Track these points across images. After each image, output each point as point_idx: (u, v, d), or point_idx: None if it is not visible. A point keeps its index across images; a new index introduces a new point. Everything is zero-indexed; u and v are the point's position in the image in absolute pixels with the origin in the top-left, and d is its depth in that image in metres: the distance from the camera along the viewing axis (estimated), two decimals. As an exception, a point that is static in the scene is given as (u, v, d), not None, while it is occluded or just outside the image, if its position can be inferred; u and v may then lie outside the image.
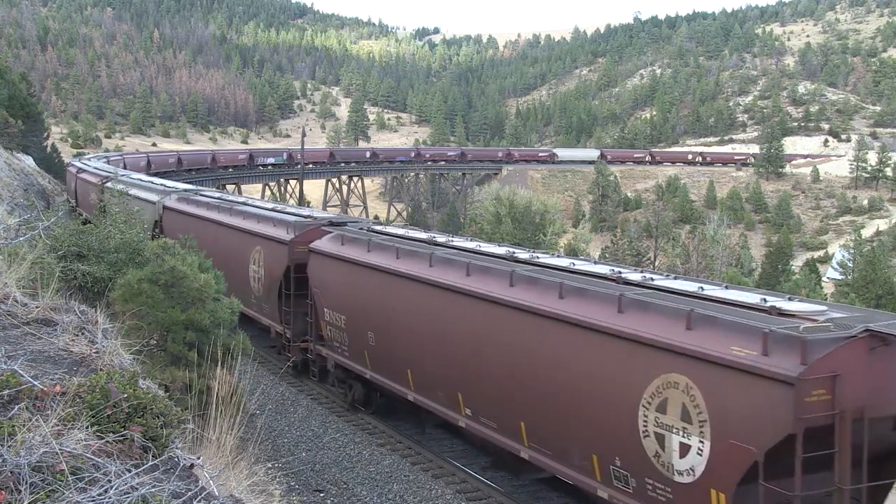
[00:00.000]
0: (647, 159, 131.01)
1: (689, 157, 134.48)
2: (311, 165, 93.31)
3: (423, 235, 16.58)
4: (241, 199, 26.87)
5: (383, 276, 14.64)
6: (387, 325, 14.77)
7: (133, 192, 30.47)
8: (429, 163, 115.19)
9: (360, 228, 17.99)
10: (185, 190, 29.98)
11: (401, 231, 17.54)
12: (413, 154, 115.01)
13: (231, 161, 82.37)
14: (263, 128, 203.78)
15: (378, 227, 18.19)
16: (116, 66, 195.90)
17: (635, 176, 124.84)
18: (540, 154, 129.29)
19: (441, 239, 15.73)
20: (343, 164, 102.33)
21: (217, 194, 29.51)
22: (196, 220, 24.30)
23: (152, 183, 33.97)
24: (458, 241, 15.55)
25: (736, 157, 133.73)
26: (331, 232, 17.54)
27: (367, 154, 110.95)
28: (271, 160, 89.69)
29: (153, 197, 28.97)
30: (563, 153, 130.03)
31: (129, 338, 8.43)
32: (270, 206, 24.56)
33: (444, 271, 13.11)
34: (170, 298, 11.17)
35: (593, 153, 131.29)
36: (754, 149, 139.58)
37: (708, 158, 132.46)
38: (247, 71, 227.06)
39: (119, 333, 7.27)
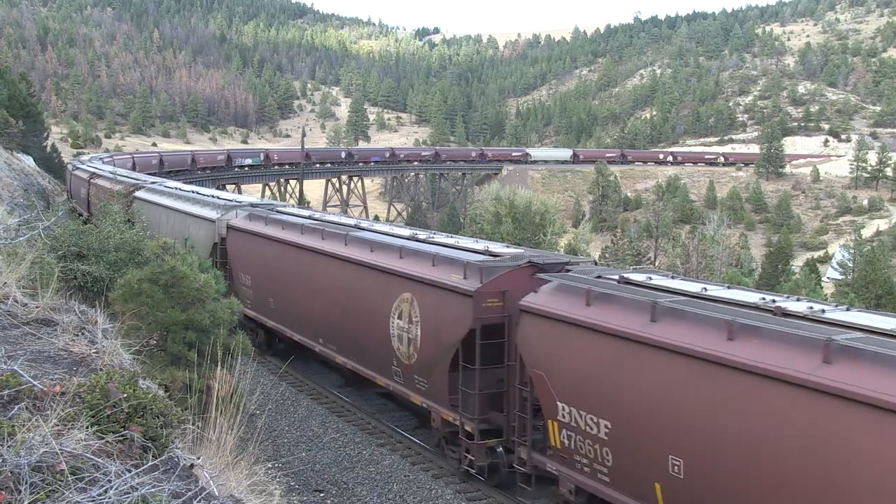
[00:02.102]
0: (618, 159, 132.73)
1: (661, 156, 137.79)
2: (286, 166, 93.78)
3: (748, 296, 10.18)
4: (352, 221, 20.02)
5: (701, 367, 8.86)
6: (714, 449, 8.72)
7: (175, 204, 25.87)
8: (403, 163, 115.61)
9: (599, 276, 11.63)
10: (254, 204, 23.79)
11: (692, 285, 11.11)
12: (387, 154, 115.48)
13: (210, 162, 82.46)
14: (263, 128, 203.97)
15: (635, 276, 11.61)
16: (116, 66, 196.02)
17: (635, 176, 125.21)
18: (513, 154, 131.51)
19: (796, 306, 9.41)
20: (318, 165, 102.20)
21: (307, 212, 22.93)
22: (284, 248, 18.71)
23: (198, 193, 27.60)
24: (840, 313, 9.21)
25: (706, 157, 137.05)
26: (549, 280, 11.72)
27: (342, 154, 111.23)
28: (248, 161, 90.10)
29: (210, 213, 23.03)
30: (535, 153, 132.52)
31: (129, 338, 8.43)
32: (408, 232, 17.29)
33: (862, 373, 7.52)
34: (170, 298, 11.17)
35: (566, 153, 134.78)
36: (754, 149, 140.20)
37: (679, 158, 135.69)
38: (247, 71, 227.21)
39: (119, 333, 7.27)
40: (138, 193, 29.74)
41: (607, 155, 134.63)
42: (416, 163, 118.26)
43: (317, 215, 21.63)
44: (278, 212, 21.82)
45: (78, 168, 45.02)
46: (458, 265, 13.06)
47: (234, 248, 21.41)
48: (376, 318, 14.81)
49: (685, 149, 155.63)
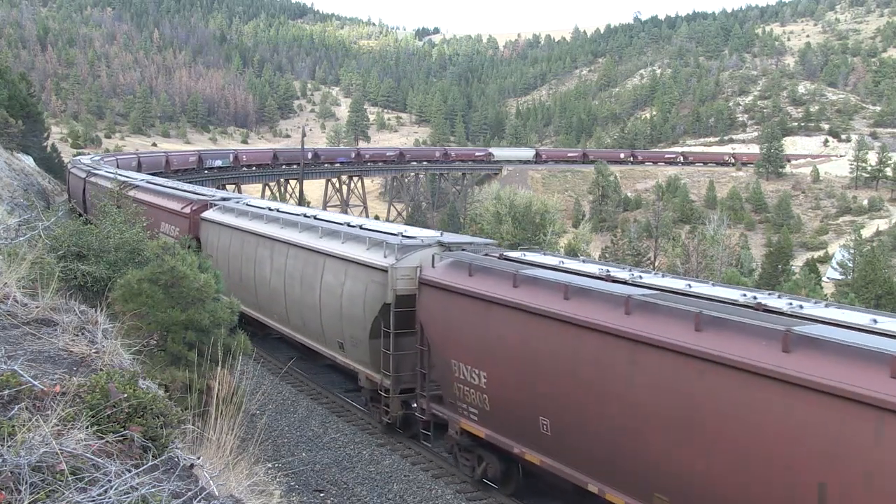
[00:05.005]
0: (579, 159, 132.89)
1: (622, 156, 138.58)
2: (253, 168, 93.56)
3: None
4: (736, 294, 10.25)
5: None
6: None
7: (287, 235, 18.11)
8: (368, 164, 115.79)
9: None
10: (445, 244, 14.80)
11: None
12: (353, 155, 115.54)
13: (183, 164, 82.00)
14: (263, 128, 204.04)
15: None
16: (116, 66, 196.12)
17: (635, 176, 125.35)
18: (476, 154, 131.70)
19: None
20: (285, 166, 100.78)
21: (593, 266, 12.75)
22: (575, 336, 10.51)
23: (329, 221, 18.47)
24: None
25: (666, 156, 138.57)
26: None
27: (310, 155, 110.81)
28: (218, 162, 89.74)
29: (374, 256, 15.04)
30: (498, 153, 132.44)
31: (129, 338, 8.42)
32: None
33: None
34: (170, 298, 11.16)
35: (528, 152, 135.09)
36: (754, 149, 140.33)
37: (640, 157, 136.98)
38: (247, 71, 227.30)
39: (119, 333, 7.27)
40: (207, 213, 22.93)
41: (569, 154, 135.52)
42: (380, 163, 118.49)
43: (620, 273, 11.76)
44: (529, 264, 12.84)
45: (95, 174, 35.76)
46: None
47: (436, 319, 13.67)
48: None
49: (653, 149, 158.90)
